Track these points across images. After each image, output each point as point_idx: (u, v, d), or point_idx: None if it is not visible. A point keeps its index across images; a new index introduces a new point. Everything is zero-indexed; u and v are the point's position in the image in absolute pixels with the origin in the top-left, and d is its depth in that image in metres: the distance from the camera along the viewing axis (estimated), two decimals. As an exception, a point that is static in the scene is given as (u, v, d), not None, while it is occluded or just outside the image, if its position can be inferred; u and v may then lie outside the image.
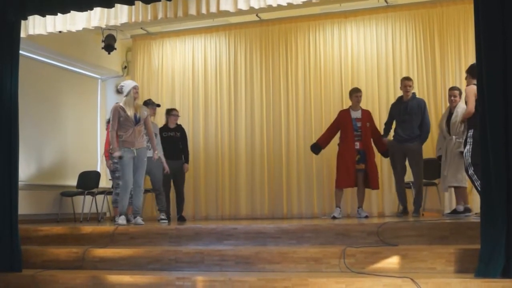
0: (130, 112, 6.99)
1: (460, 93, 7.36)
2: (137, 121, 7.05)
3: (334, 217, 7.60)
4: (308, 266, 5.08)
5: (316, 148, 7.97)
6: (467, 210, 7.20)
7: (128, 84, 7.18)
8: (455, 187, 7.32)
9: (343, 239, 5.45)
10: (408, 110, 7.56)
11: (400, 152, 7.62)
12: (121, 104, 7.07)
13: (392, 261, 4.87)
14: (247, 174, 9.43)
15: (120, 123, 7.00)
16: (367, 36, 9.12)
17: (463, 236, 5.17)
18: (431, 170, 8.02)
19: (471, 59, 8.06)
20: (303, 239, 5.57)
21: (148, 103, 8.00)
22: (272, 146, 9.38)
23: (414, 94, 7.74)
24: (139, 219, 6.99)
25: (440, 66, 8.68)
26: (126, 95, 7.07)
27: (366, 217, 7.65)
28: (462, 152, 6.80)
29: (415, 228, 5.37)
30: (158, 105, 8.41)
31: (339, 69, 9.19)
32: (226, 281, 4.83)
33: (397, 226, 5.43)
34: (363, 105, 8.06)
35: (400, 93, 7.88)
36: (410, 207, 7.75)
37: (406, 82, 7.69)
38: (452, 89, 7.46)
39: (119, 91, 7.29)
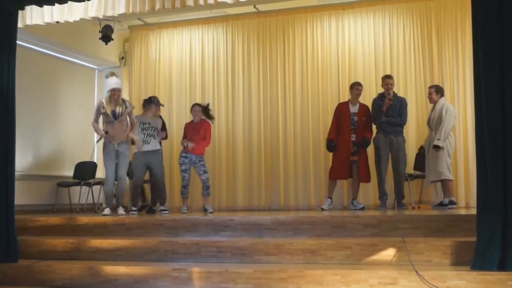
0: (108, 109, 7.27)
1: (437, 91, 7.54)
2: (116, 117, 7.28)
3: (322, 209, 7.63)
4: (304, 258, 5.10)
5: (330, 145, 7.78)
6: (452, 203, 7.29)
7: (109, 84, 7.42)
8: (441, 181, 7.40)
9: (339, 231, 5.48)
10: (391, 108, 7.60)
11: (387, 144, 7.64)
12: (103, 99, 7.40)
13: (388, 253, 4.89)
14: (244, 166, 9.41)
15: (103, 118, 7.37)
16: (365, 28, 9.07)
17: (459, 228, 5.20)
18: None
19: (469, 52, 8.08)
20: (300, 231, 5.59)
21: (152, 101, 8.08)
22: (269, 137, 9.35)
23: (394, 92, 7.80)
24: (120, 210, 7.32)
25: (438, 58, 8.63)
26: (107, 92, 7.40)
27: (363, 208, 7.67)
28: (435, 146, 7.19)
29: (411, 220, 5.39)
30: (162, 105, 8.44)
31: (337, 60, 9.15)
32: (223, 272, 4.85)
33: (394, 219, 5.46)
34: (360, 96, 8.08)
35: (398, 88, 7.89)
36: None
37: (388, 80, 7.74)
38: (429, 87, 7.70)
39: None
